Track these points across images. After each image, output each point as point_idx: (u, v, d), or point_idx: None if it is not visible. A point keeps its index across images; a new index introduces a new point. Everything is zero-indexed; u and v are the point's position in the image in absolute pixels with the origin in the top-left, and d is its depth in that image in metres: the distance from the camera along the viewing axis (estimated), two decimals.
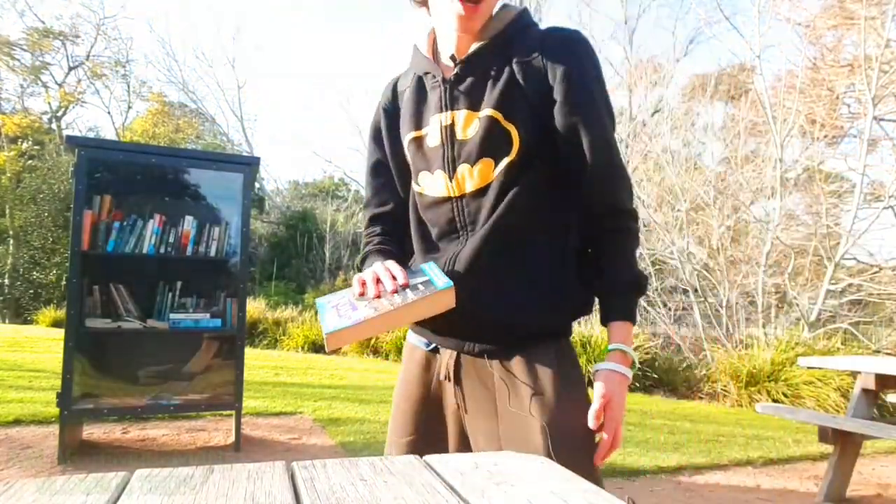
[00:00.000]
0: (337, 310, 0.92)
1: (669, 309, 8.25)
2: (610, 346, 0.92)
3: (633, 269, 0.92)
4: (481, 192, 0.91)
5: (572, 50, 0.90)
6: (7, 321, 13.71)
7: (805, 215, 7.96)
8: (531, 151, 0.89)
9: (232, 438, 3.22)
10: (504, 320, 0.90)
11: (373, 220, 1.08)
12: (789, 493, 2.84)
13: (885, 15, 6.34)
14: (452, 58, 0.93)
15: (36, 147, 16.77)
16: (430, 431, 0.99)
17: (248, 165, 3.29)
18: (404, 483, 0.71)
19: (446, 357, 0.96)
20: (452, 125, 0.92)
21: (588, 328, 6.84)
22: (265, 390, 4.90)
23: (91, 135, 19.20)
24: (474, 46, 0.92)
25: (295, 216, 15.72)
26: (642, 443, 3.68)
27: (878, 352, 6.26)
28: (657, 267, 8.70)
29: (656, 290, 8.41)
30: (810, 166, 7.41)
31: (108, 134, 19.57)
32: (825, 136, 7.54)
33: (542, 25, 0.96)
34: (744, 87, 9.75)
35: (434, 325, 0.93)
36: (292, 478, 0.72)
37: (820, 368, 4.72)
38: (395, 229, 1.04)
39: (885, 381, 2.70)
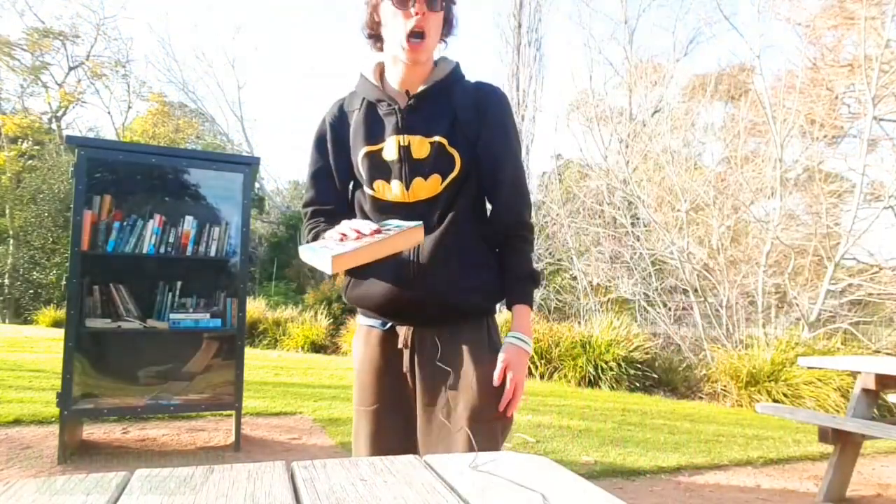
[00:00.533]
0: (327, 248, 1.07)
1: (669, 309, 8.24)
2: (513, 327, 1.18)
3: (530, 266, 1.21)
4: (432, 199, 1.16)
5: (495, 101, 1.21)
6: (7, 321, 13.71)
7: (805, 215, 7.95)
8: (468, 171, 1.18)
9: (232, 438, 3.22)
10: (454, 301, 1.16)
11: (315, 214, 1.27)
12: (789, 493, 2.84)
13: (885, 15, 6.33)
14: (407, 93, 1.16)
15: (36, 147, 16.77)
16: (391, 398, 1.20)
17: (248, 165, 3.29)
18: (404, 483, 0.71)
19: (403, 331, 1.19)
20: (409, 146, 1.15)
21: (588, 328, 6.84)
22: (265, 390, 4.90)
23: (91, 135, 19.20)
24: (423, 87, 1.17)
25: (295, 216, 15.71)
26: (642, 443, 3.68)
27: (878, 352, 6.26)
28: (657, 267, 8.70)
29: (656, 290, 8.41)
30: (810, 166, 7.41)
31: (108, 134, 19.57)
32: (825, 136, 7.53)
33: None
34: (744, 87, 9.74)
35: (395, 308, 1.17)
36: (292, 478, 0.72)
37: (820, 368, 4.72)
38: (334, 224, 1.19)
39: (885, 381, 2.70)
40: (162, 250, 3.07)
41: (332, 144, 1.24)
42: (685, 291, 7.97)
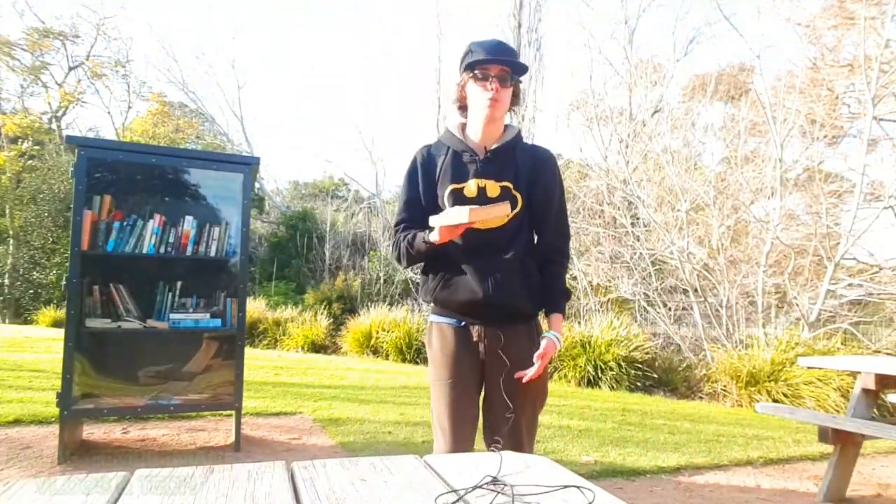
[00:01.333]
0: (456, 210, 1.43)
1: (669, 309, 8.24)
2: (551, 328, 1.61)
3: (564, 285, 1.65)
4: (500, 228, 1.57)
5: (548, 158, 1.66)
6: (7, 321, 13.70)
7: (805, 215, 7.95)
8: (525, 209, 1.60)
9: (232, 438, 3.22)
10: (513, 307, 1.58)
11: (406, 228, 1.65)
12: (789, 493, 2.84)
13: (885, 15, 6.34)
14: (484, 148, 1.61)
15: (36, 147, 16.76)
16: (462, 374, 1.60)
17: (248, 165, 3.29)
18: (404, 483, 0.71)
19: (476, 329, 1.60)
20: (485, 188, 1.58)
21: (588, 328, 6.84)
22: (265, 390, 4.90)
23: (91, 135, 19.18)
24: (496, 145, 1.60)
25: (295, 216, 15.71)
26: (642, 443, 3.68)
27: (878, 352, 6.26)
28: (657, 267, 8.70)
29: (656, 290, 8.41)
30: (810, 166, 7.41)
31: (108, 134, 19.56)
32: (825, 136, 7.54)
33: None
34: (744, 87, 9.75)
35: (473, 309, 1.58)
36: (292, 478, 0.72)
37: (820, 368, 4.72)
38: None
39: (885, 381, 2.70)
40: (162, 250, 3.07)
41: (421, 178, 1.65)
42: (685, 291, 7.97)
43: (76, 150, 2.89)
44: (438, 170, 1.63)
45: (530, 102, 12.38)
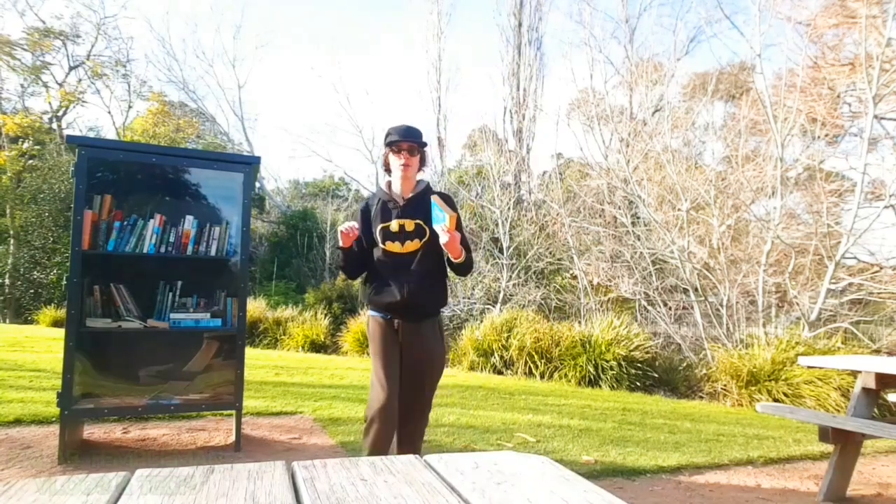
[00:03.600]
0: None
1: (670, 308, 8.24)
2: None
3: (469, 255, 2.27)
4: (415, 252, 2.29)
5: (447, 198, 2.19)
6: (7, 321, 13.71)
7: (806, 214, 7.94)
8: (433, 238, 2.25)
9: (232, 438, 3.22)
10: (421, 307, 2.30)
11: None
12: (789, 493, 2.84)
13: (886, 13, 6.33)
14: (403, 197, 2.32)
15: (36, 147, 16.77)
16: (389, 352, 2.29)
17: (248, 165, 3.28)
18: (404, 482, 0.71)
19: (396, 322, 2.30)
20: (404, 225, 2.28)
21: (588, 328, 6.84)
22: (265, 390, 4.90)
23: (91, 134, 19.20)
24: (410, 195, 2.32)
25: (295, 216, 15.72)
26: (642, 443, 3.68)
27: (879, 351, 6.25)
28: (657, 266, 8.70)
29: (657, 289, 8.40)
30: (811, 165, 7.40)
31: (109, 133, 19.58)
32: (826, 135, 7.53)
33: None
34: (744, 85, 9.74)
35: (393, 308, 2.28)
36: (292, 477, 0.72)
37: (820, 368, 4.71)
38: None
39: (885, 381, 2.70)
40: (162, 250, 3.07)
41: (362, 218, 2.38)
42: (685, 291, 7.97)
43: (76, 150, 2.89)
44: (373, 213, 2.34)
45: (530, 102, 12.37)
